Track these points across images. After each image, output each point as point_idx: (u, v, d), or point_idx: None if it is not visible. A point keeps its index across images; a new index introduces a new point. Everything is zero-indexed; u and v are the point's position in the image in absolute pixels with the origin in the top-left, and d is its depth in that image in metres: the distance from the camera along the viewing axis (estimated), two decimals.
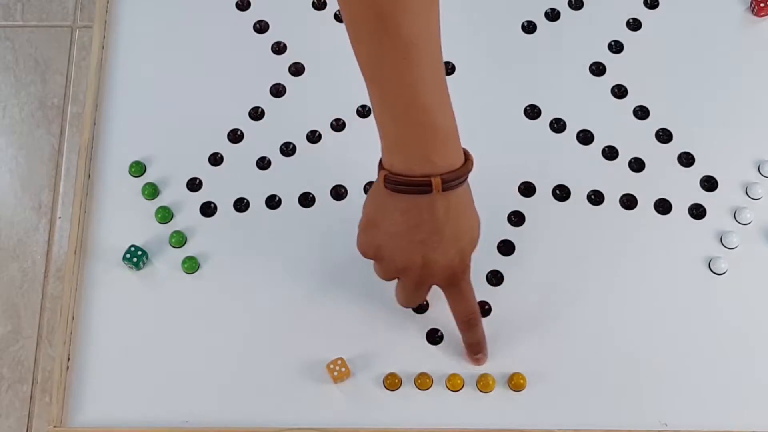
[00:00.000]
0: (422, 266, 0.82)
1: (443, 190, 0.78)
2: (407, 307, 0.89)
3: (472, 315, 0.86)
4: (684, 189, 0.96)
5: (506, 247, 0.93)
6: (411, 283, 0.85)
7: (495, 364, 0.89)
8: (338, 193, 0.96)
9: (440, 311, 0.91)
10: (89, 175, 0.97)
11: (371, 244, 0.83)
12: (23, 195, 1.56)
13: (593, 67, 1.01)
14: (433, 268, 0.82)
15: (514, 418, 0.87)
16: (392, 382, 0.88)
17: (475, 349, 0.88)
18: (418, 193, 0.79)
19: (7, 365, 1.47)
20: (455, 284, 0.85)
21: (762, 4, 1.02)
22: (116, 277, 0.93)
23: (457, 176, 0.79)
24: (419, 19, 0.75)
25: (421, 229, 0.80)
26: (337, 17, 1.04)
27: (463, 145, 0.97)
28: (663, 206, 0.95)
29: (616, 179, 0.96)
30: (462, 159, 0.80)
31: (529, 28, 1.03)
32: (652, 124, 0.98)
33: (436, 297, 0.91)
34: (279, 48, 1.03)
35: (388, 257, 0.83)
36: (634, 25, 1.03)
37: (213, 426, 0.87)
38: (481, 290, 0.91)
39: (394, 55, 0.75)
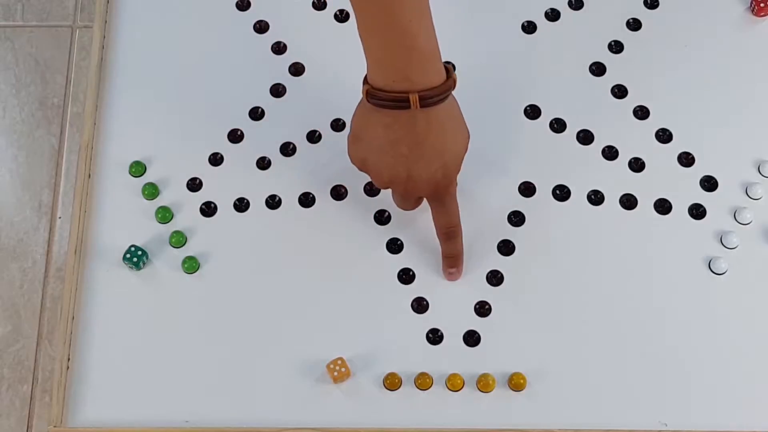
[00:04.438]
0: (407, 179, 0.86)
1: (422, 106, 0.82)
2: (404, 210, 0.93)
3: (453, 228, 0.90)
4: (684, 189, 0.96)
5: (506, 247, 0.93)
6: (398, 194, 0.91)
7: (495, 364, 0.89)
8: (338, 193, 0.96)
9: (440, 311, 0.91)
10: (89, 175, 0.97)
11: (358, 156, 0.88)
12: (23, 195, 1.56)
13: (593, 67, 1.01)
14: (416, 181, 0.86)
15: (514, 418, 0.87)
16: (392, 382, 0.88)
17: (451, 262, 0.91)
18: (397, 108, 0.82)
19: (7, 365, 1.47)
20: (439, 198, 0.89)
21: (762, 4, 1.02)
22: (116, 277, 0.93)
23: (436, 93, 0.82)
24: None
25: (402, 144, 0.84)
26: (337, 17, 1.04)
27: None
28: (663, 206, 0.95)
29: (616, 179, 0.96)
30: (443, 77, 0.83)
31: (529, 28, 1.03)
32: (652, 124, 0.98)
33: (437, 296, 0.91)
34: (279, 48, 1.03)
35: (374, 169, 0.87)
36: (634, 25, 1.03)
37: (213, 426, 0.87)
38: (481, 290, 0.92)
39: None
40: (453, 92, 0.85)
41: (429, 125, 0.83)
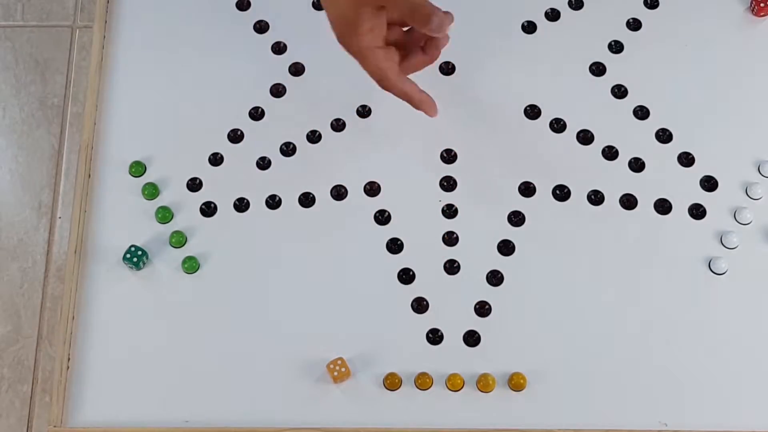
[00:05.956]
0: None
1: None
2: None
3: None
4: (684, 189, 0.96)
5: (506, 247, 0.93)
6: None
7: (495, 364, 0.89)
8: (338, 193, 0.96)
9: (440, 311, 0.91)
10: (89, 175, 0.97)
11: None
12: (23, 195, 1.56)
13: (593, 67, 1.01)
14: None
15: (514, 418, 0.87)
16: (392, 382, 0.88)
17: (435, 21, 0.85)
18: None
19: (7, 365, 1.47)
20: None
21: (762, 4, 1.02)
22: (116, 277, 0.93)
23: None
24: None
25: None
26: None
27: (464, 145, 0.97)
28: (663, 206, 0.95)
29: (616, 179, 0.96)
30: None
31: (529, 28, 1.03)
32: (652, 124, 0.98)
33: (437, 296, 0.91)
34: (279, 48, 1.03)
35: None
36: (634, 25, 1.03)
37: (213, 426, 0.87)
38: (481, 290, 0.92)
39: None
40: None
41: None
